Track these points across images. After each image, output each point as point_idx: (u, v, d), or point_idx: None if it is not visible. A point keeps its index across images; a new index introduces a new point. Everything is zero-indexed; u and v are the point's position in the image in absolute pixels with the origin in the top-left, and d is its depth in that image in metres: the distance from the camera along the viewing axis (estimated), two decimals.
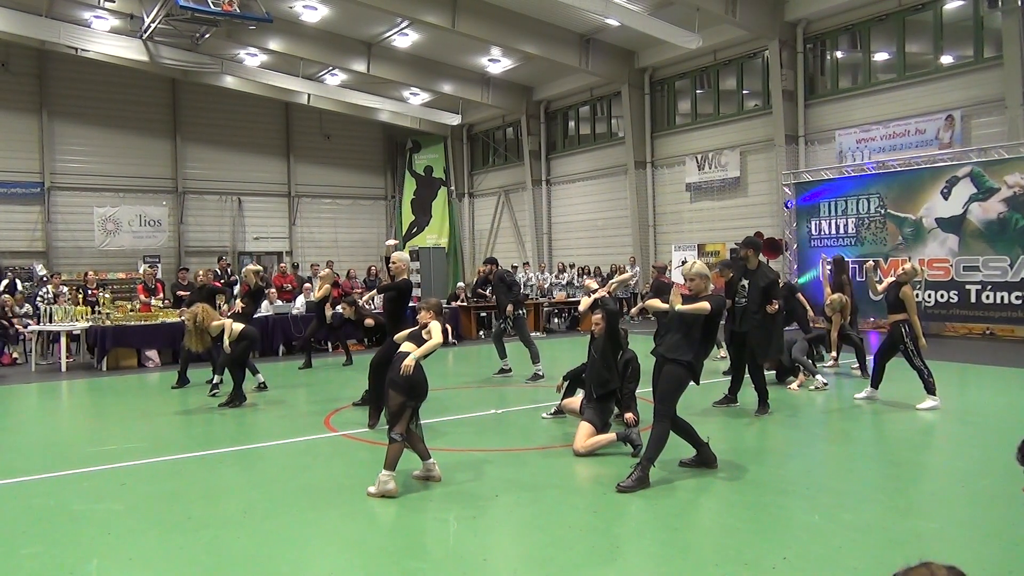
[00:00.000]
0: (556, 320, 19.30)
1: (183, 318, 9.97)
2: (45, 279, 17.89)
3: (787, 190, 17.63)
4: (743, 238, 8.86)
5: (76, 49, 21.01)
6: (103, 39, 20.63)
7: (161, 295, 15.38)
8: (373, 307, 12.89)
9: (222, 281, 16.37)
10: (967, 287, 14.42)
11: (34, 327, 13.80)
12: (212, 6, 15.84)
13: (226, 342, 9.03)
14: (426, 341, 5.65)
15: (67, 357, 13.32)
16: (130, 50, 20.85)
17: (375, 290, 10.17)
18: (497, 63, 22.58)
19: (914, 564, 1.86)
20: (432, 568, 4.26)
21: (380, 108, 26.10)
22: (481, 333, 17.36)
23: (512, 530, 4.94)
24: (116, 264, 23.12)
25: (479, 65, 22.92)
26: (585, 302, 7.76)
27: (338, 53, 21.57)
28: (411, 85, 24.15)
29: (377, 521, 5.09)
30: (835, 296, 10.37)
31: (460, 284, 20.14)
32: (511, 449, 6.94)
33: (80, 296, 15.22)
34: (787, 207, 17.67)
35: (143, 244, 23.66)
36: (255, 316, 11.09)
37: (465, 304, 17.35)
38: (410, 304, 8.22)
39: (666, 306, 6.05)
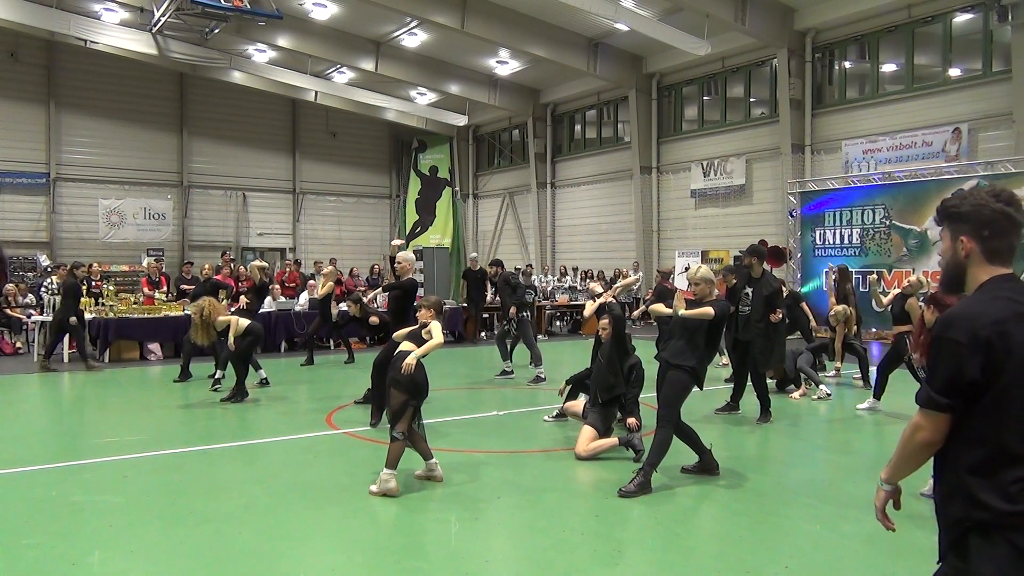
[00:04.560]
0: (558, 323, 19.30)
1: (188, 310, 9.97)
2: (49, 270, 17.90)
3: (792, 199, 17.62)
4: (747, 246, 8.85)
5: (85, 41, 21.01)
6: (112, 31, 20.64)
7: (165, 288, 15.38)
8: (376, 305, 12.91)
9: (233, 278, 16.28)
10: None
11: (37, 317, 13.81)
12: (223, 1, 15.86)
13: (231, 338, 9.02)
14: (426, 340, 5.66)
15: (69, 348, 13.31)
16: (139, 43, 20.87)
17: (379, 288, 10.20)
18: (505, 65, 22.59)
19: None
20: (433, 568, 4.26)
21: (387, 107, 26.11)
22: (483, 334, 17.36)
23: (513, 532, 4.93)
24: (119, 257, 23.10)
25: (487, 66, 22.93)
26: (590, 306, 7.76)
27: (346, 51, 21.59)
28: (418, 85, 24.16)
29: (378, 520, 5.09)
30: (839, 307, 10.37)
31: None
32: (513, 451, 6.94)
33: (84, 288, 15.21)
34: (792, 216, 17.66)
35: (147, 237, 23.69)
36: (258, 312, 11.09)
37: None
38: (415, 303, 8.24)
39: (670, 310, 6.07)
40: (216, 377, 9.74)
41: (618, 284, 8.32)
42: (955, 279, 2.23)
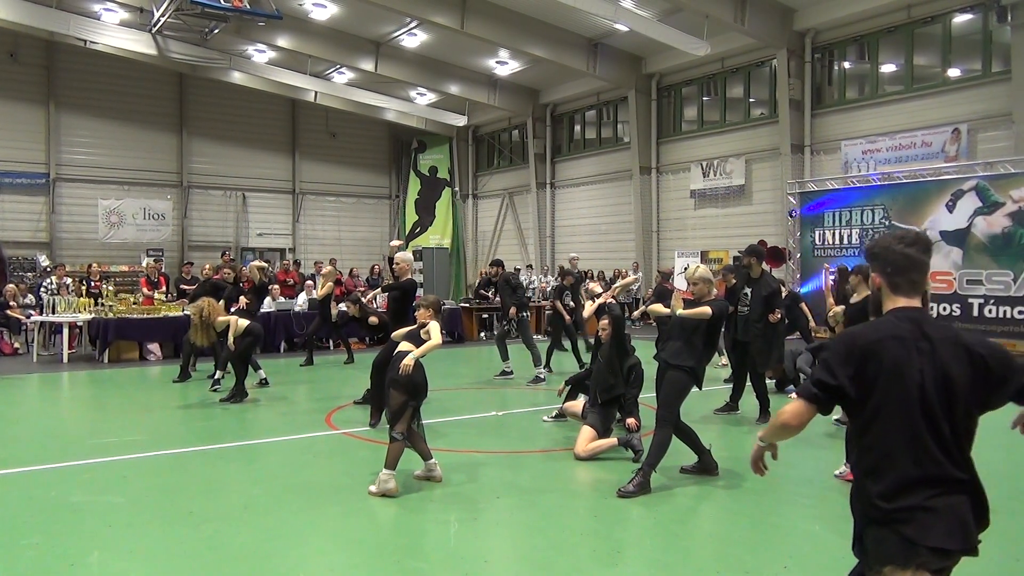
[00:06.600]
0: None
1: (187, 311, 9.95)
2: (48, 270, 17.91)
3: (792, 199, 17.62)
4: (747, 246, 8.85)
5: (85, 41, 21.00)
6: (112, 32, 20.63)
7: (164, 288, 15.38)
8: (376, 306, 12.91)
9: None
10: (970, 300, 14.40)
11: (37, 318, 13.81)
12: (222, 1, 15.85)
13: (230, 339, 9.02)
14: (424, 341, 5.66)
15: (69, 348, 13.31)
16: (139, 44, 20.86)
17: (379, 289, 10.19)
18: (505, 65, 22.59)
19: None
20: (433, 568, 4.26)
21: (386, 107, 26.11)
22: (482, 335, 17.37)
23: (513, 532, 4.94)
24: (119, 257, 23.11)
25: (486, 67, 22.93)
26: (589, 307, 7.77)
27: (346, 51, 21.58)
28: (418, 85, 24.15)
29: (377, 520, 5.09)
30: (838, 308, 10.31)
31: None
32: (512, 451, 6.94)
33: (83, 288, 15.23)
34: (791, 216, 17.66)
35: (146, 237, 23.68)
36: (258, 312, 11.08)
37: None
38: (414, 304, 8.24)
39: (668, 311, 6.07)
40: (216, 377, 9.74)
41: (617, 284, 8.33)
42: (876, 307, 2.63)
